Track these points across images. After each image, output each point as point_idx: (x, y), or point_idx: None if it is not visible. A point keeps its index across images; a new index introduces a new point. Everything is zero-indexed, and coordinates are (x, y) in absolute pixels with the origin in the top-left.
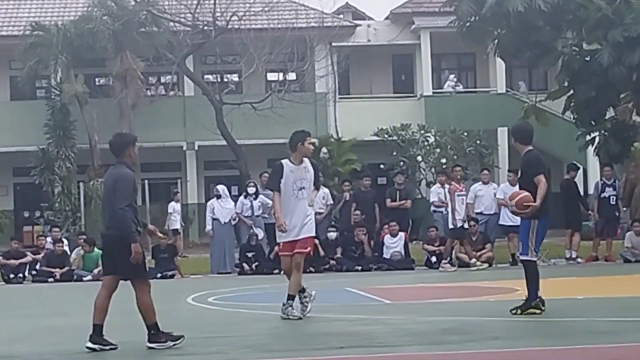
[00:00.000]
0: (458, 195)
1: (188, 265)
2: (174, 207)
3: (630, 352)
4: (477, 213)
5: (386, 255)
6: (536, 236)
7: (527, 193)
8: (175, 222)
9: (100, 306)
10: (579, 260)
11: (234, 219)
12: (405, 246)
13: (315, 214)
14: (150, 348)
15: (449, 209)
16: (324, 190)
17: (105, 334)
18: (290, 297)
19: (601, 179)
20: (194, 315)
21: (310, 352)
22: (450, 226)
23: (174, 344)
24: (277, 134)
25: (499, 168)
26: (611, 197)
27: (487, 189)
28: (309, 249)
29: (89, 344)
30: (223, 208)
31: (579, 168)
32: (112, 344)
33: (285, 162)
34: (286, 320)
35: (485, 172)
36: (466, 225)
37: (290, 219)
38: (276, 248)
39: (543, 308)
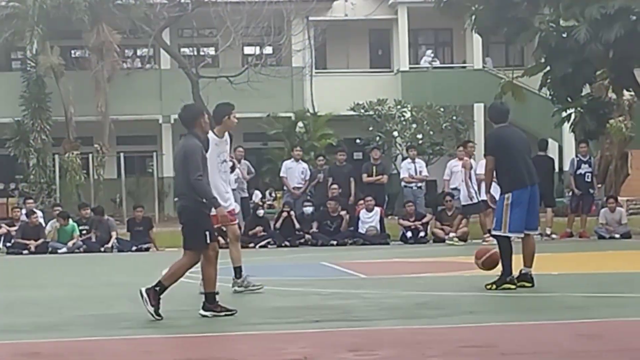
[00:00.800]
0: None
1: (164, 238)
2: None
3: (603, 327)
4: (452, 189)
5: (362, 230)
6: (511, 212)
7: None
8: None
9: (209, 275)
10: (554, 236)
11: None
12: (381, 221)
13: (294, 188)
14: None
15: (463, 185)
16: (303, 165)
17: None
18: (239, 269)
19: (577, 156)
20: (173, 287)
21: (285, 325)
22: (464, 202)
23: (227, 314)
24: (253, 108)
25: (475, 144)
26: (586, 174)
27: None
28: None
29: (201, 311)
30: None
31: (547, 143)
32: (230, 310)
33: (210, 135)
34: (261, 294)
35: (470, 143)
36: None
37: (217, 192)
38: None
39: (518, 284)
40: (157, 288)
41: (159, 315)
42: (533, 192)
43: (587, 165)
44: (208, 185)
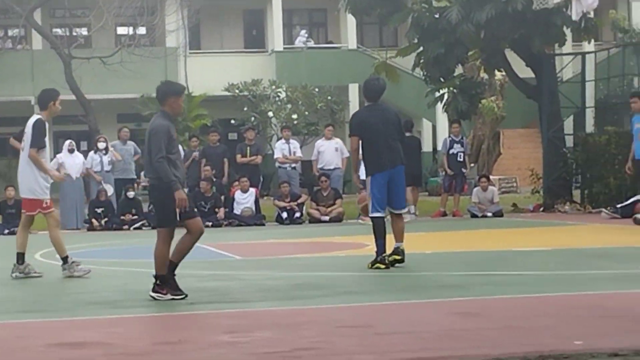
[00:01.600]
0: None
1: (36, 220)
2: None
3: (478, 305)
4: (319, 168)
5: (237, 211)
6: (372, 192)
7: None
8: None
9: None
10: (416, 214)
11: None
12: (256, 202)
13: None
14: (151, 297)
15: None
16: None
17: None
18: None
19: (449, 136)
20: (42, 271)
21: (161, 308)
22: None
23: (173, 298)
24: (126, 89)
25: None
26: (459, 154)
27: (329, 144)
28: None
29: (152, 293)
30: (74, 163)
31: (412, 124)
32: (182, 293)
33: (41, 119)
34: (136, 277)
35: (330, 127)
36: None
37: (37, 181)
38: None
39: (389, 259)
40: (158, 282)
41: (183, 293)
42: (395, 173)
43: (459, 145)
44: (167, 169)
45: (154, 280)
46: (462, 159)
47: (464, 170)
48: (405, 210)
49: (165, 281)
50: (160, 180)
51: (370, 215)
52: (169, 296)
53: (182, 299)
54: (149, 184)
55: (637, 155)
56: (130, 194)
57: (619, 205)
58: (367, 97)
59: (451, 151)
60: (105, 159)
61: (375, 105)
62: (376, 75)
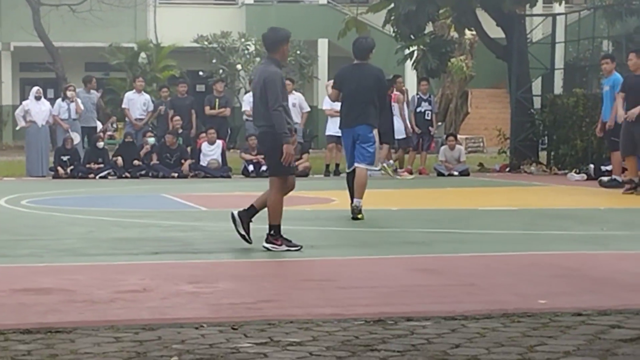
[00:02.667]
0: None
1: (1, 167)
2: None
3: (440, 262)
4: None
5: (203, 162)
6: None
7: None
8: None
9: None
10: (399, 171)
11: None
12: (223, 154)
13: (136, 120)
14: (265, 248)
15: (400, 119)
16: (145, 97)
17: None
18: None
19: (417, 94)
20: (6, 217)
21: (124, 256)
22: (402, 136)
23: (289, 249)
24: (95, 38)
25: (319, 79)
26: (426, 112)
27: (289, 98)
28: None
29: (265, 244)
30: (40, 111)
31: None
32: (296, 245)
33: None
34: (101, 225)
35: (287, 82)
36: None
37: None
38: None
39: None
40: (272, 232)
41: (297, 245)
42: (355, 132)
43: (427, 104)
44: (284, 119)
45: (268, 230)
46: (429, 118)
47: (431, 128)
48: (377, 168)
49: (278, 232)
50: (273, 128)
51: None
52: (283, 247)
53: (297, 250)
54: (260, 132)
55: (605, 117)
56: (100, 144)
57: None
58: (354, 54)
59: (418, 109)
60: (73, 106)
61: (359, 65)
62: (346, 31)
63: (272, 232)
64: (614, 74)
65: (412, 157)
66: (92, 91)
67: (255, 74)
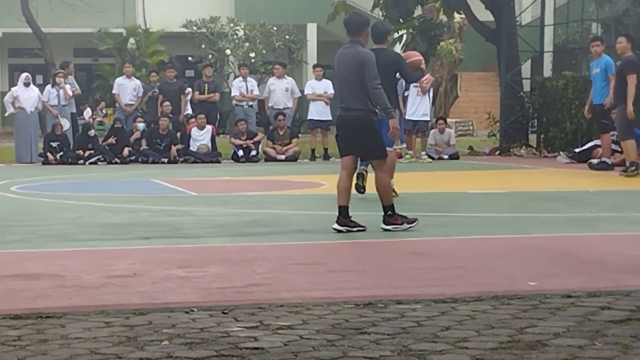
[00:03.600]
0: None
1: None
2: None
3: (429, 246)
4: (270, 107)
5: (193, 147)
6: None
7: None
8: None
9: (343, 188)
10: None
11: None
12: (212, 139)
13: (126, 105)
14: (385, 230)
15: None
16: (135, 82)
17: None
18: None
19: None
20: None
21: (115, 242)
22: (428, 118)
23: (409, 227)
24: (83, 23)
25: (307, 63)
26: None
27: (279, 83)
28: None
29: (336, 226)
30: (29, 97)
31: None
32: (360, 226)
33: None
34: (90, 210)
35: (277, 66)
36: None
37: None
38: None
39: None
40: (389, 212)
41: (415, 220)
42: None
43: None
44: (385, 96)
45: (384, 212)
46: None
47: None
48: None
49: (394, 211)
50: (370, 112)
51: None
52: (405, 226)
53: (415, 225)
54: (352, 116)
55: (595, 100)
56: (91, 132)
57: (577, 150)
58: (373, 38)
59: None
60: (62, 93)
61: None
62: (335, 15)
63: (388, 212)
64: (603, 56)
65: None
66: (69, 77)
67: (341, 59)
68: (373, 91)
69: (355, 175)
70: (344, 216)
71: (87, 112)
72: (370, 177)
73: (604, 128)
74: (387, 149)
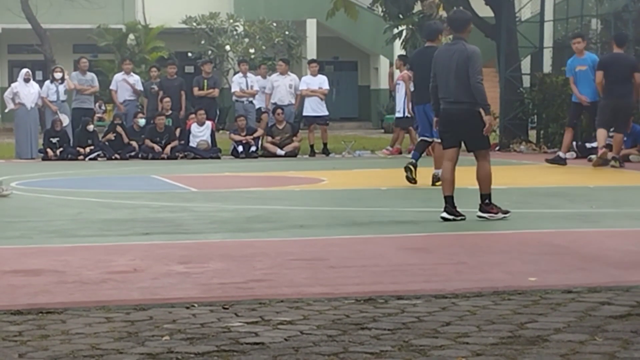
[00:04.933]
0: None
1: None
2: None
3: (430, 241)
4: (273, 103)
5: (193, 143)
6: (421, 121)
7: None
8: None
9: (448, 178)
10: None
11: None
12: (212, 135)
13: (126, 100)
14: (481, 217)
15: (402, 98)
16: (134, 77)
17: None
18: None
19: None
20: None
21: (115, 237)
22: (399, 115)
23: (504, 217)
24: (83, 19)
25: (307, 59)
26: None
27: (283, 80)
28: None
29: (444, 214)
30: (29, 93)
31: None
32: (462, 215)
33: None
34: (90, 206)
35: (281, 63)
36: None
37: None
38: None
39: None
40: (487, 200)
41: (508, 211)
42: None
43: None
44: (485, 92)
45: (481, 200)
46: None
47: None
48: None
49: (491, 200)
50: (475, 104)
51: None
52: (499, 215)
53: (509, 215)
54: (460, 109)
55: (591, 97)
56: (90, 127)
57: (588, 146)
58: (424, 36)
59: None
60: (62, 88)
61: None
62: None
63: (486, 201)
64: (587, 53)
65: (401, 136)
66: (88, 73)
67: (445, 54)
68: (475, 85)
69: (404, 168)
70: (451, 205)
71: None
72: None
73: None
74: (434, 140)
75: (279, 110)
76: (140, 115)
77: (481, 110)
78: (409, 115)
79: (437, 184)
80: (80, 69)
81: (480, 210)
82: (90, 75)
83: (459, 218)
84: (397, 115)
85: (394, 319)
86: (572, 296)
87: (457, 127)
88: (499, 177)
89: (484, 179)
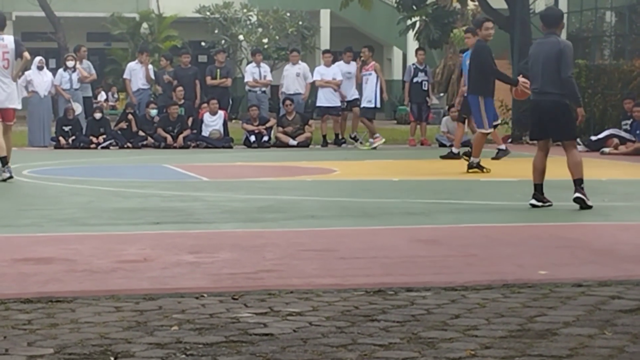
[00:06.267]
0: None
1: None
2: None
3: (440, 233)
4: (282, 92)
5: (205, 133)
6: (487, 112)
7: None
8: None
9: (539, 167)
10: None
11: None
12: (225, 124)
13: (139, 89)
14: (578, 199)
15: (372, 88)
16: (148, 66)
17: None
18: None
19: (413, 64)
20: (8, 187)
21: (126, 226)
22: (370, 105)
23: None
24: (97, 8)
25: (320, 50)
26: (423, 82)
27: (291, 69)
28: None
29: (533, 201)
30: (43, 81)
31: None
32: (550, 202)
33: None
34: (102, 195)
35: (295, 53)
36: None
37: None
38: None
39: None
40: (582, 185)
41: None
42: None
43: (423, 74)
44: (576, 85)
45: (577, 185)
46: (426, 88)
47: (428, 99)
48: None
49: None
50: (563, 96)
51: (482, 130)
52: (590, 203)
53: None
54: (550, 100)
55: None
56: (97, 115)
57: (593, 138)
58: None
59: (415, 79)
60: (75, 77)
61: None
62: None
63: (581, 185)
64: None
65: (413, 127)
66: (84, 61)
67: (540, 48)
68: (567, 79)
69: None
70: (540, 192)
71: (102, 96)
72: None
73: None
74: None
75: (288, 102)
76: (152, 105)
77: (572, 103)
78: (378, 106)
79: (470, 171)
80: (78, 57)
81: (578, 191)
82: (87, 63)
83: (547, 204)
84: (368, 105)
85: (403, 311)
86: (582, 290)
87: (547, 118)
88: (511, 169)
89: (577, 166)
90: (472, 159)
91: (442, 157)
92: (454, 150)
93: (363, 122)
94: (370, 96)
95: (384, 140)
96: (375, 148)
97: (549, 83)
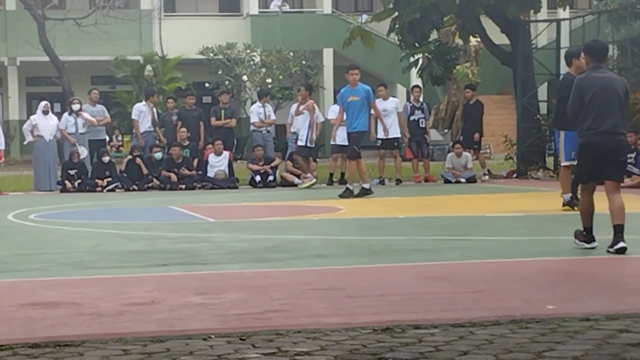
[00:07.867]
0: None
1: (9, 182)
2: None
3: (447, 269)
4: (292, 132)
5: (210, 173)
6: (565, 145)
7: None
8: None
9: (592, 210)
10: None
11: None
12: (230, 165)
13: (146, 132)
14: (623, 250)
15: (305, 127)
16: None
17: None
18: None
19: (409, 101)
20: (14, 232)
21: (132, 269)
22: (302, 144)
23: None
24: (100, 51)
25: (324, 88)
26: (420, 120)
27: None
28: None
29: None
30: (48, 125)
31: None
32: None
33: None
34: (108, 238)
35: (305, 90)
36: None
37: None
38: None
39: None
40: (620, 233)
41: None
42: None
43: (419, 112)
44: None
45: (619, 232)
46: (423, 125)
47: (426, 136)
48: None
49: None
50: (624, 136)
51: (562, 164)
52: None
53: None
54: (619, 140)
55: (351, 127)
56: (105, 158)
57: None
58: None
59: (412, 117)
60: (80, 121)
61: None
62: (351, 40)
63: (622, 232)
64: (360, 84)
65: (415, 164)
66: (97, 105)
67: (598, 82)
68: (625, 118)
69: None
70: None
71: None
72: (383, 201)
73: (353, 155)
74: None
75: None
76: (156, 149)
77: None
78: (311, 146)
79: (563, 208)
80: (90, 100)
81: (622, 241)
82: (100, 107)
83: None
84: (300, 144)
85: (412, 348)
86: (590, 324)
87: (608, 158)
88: (517, 204)
89: (622, 210)
90: (563, 196)
91: (341, 196)
92: (365, 186)
93: (297, 159)
94: (303, 135)
95: (314, 181)
96: (309, 187)
97: (619, 122)
